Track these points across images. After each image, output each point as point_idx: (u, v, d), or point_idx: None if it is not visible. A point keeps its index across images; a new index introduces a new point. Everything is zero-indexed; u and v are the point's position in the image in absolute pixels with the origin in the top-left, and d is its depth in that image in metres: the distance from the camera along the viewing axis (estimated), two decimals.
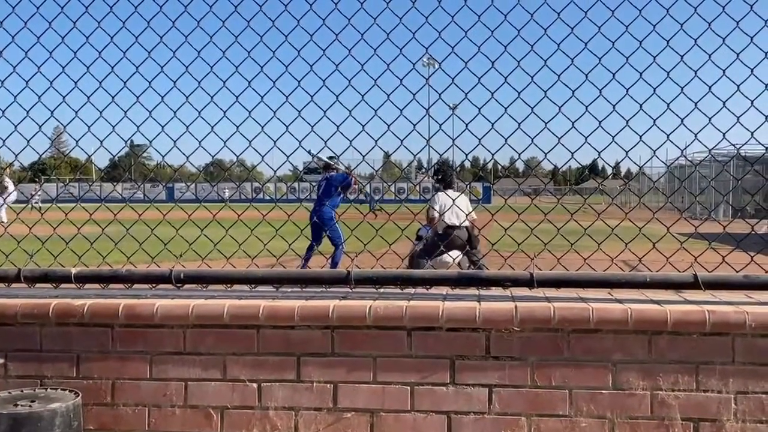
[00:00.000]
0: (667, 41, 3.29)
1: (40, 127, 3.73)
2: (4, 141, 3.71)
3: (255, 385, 3.22)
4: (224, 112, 3.59)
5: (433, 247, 8.74)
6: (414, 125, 3.48)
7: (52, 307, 3.28)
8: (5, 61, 3.76)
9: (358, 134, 3.52)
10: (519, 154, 3.39)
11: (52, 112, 3.74)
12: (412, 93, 3.49)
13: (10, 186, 26.77)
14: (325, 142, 3.57)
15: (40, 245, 3.58)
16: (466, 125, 3.43)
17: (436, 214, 9.55)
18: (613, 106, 3.29)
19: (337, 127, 3.52)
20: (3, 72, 3.78)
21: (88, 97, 3.66)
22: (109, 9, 3.64)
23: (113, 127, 3.62)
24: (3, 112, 3.69)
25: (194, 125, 3.67)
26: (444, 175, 10.04)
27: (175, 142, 3.60)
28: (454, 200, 8.79)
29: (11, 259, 3.73)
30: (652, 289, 3.27)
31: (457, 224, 9.37)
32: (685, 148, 3.34)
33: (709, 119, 3.27)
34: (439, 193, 9.84)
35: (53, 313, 3.27)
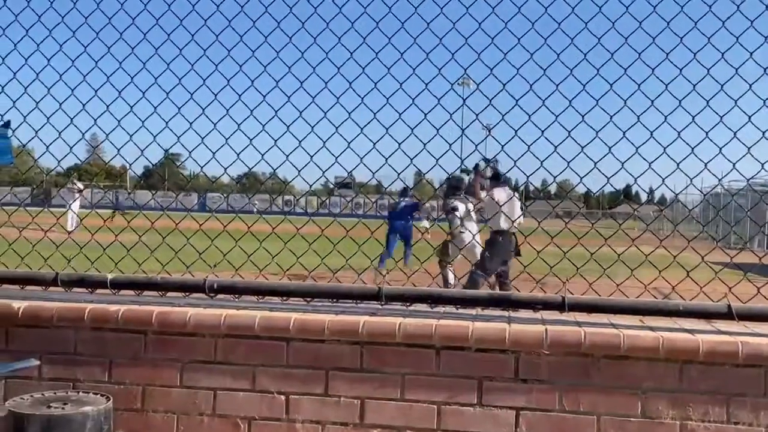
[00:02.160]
0: (708, 69, 3.28)
1: (83, 134, 3.83)
2: (47, 147, 3.80)
3: (283, 398, 3.24)
4: (263, 126, 3.64)
5: (488, 258, 8.26)
6: (450, 145, 3.51)
7: (88, 311, 3.34)
8: (52, 69, 3.86)
9: (394, 152, 3.55)
10: (554, 178, 3.39)
11: (95, 120, 3.82)
12: (449, 113, 3.52)
13: (78, 186, 26.25)
14: (361, 159, 3.60)
15: (77, 250, 3.65)
16: (502, 147, 3.45)
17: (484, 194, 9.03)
18: (651, 132, 3.29)
19: (374, 144, 3.56)
20: (49, 80, 3.88)
21: (131, 107, 3.74)
22: (155, 21, 3.72)
23: (154, 137, 3.71)
24: (48, 119, 3.78)
25: (228, 134, 3.75)
26: (497, 171, 9.67)
27: (213, 154, 3.66)
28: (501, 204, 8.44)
29: (49, 263, 3.81)
30: (684, 318, 3.24)
31: (506, 229, 8.87)
32: (722, 177, 3.32)
33: (748, 149, 3.25)
34: (497, 189, 9.41)
35: (88, 318, 3.33)
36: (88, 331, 3.36)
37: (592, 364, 3.05)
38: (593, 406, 3.06)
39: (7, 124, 3.05)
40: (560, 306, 3.22)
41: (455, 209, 10.79)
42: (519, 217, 8.80)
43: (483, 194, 9.61)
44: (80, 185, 26.36)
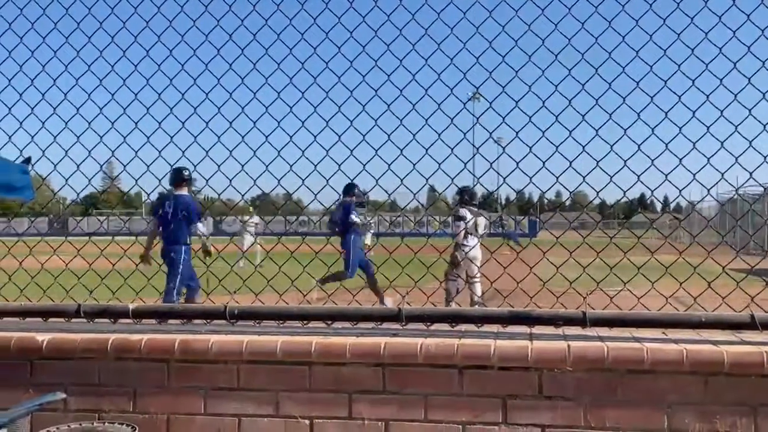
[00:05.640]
0: (721, 80, 3.28)
1: (101, 167, 3.87)
2: (66, 180, 3.85)
3: (307, 422, 3.24)
4: (278, 152, 3.68)
5: None
6: (465, 164, 3.53)
7: (111, 342, 3.36)
8: (70, 104, 3.91)
9: (409, 173, 3.56)
10: (571, 193, 3.40)
11: (113, 152, 3.88)
12: (463, 132, 3.54)
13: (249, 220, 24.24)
14: (377, 180, 3.63)
15: (99, 281, 3.68)
16: (517, 164, 3.45)
17: None
18: (666, 144, 3.29)
19: (389, 165, 3.57)
20: (67, 113, 3.93)
21: (148, 138, 3.79)
22: (169, 52, 3.77)
23: (171, 166, 3.75)
24: (66, 152, 3.83)
25: (243, 159, 3.79)
26: None
27: (230, 180, 3.70)
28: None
29: (71, 294, 3.84)
30: (707, 329, 3.22)
31: None
32: (739, 187, 3.31)
33: (765, 158, 3.23)
34: None
35: (111, 348, 3.35)
36: (112, 362, 3.37)
37: (616, 379, 3.04)
38: (618, 422, 3.04)
39: (27, 161, 3.10)
40: (582, 321, 3.21)
41: (462, 219, 10.76)
42: None
43: None
44: (248, 219, 24.59)
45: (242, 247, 19.64)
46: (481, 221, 11.08)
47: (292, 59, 3.69)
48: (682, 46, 3.33)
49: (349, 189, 11.43)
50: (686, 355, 2.97)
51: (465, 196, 11.04)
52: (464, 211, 10.85)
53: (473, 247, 10.46)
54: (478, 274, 10.54)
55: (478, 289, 10.58)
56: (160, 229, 9.28)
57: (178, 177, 9.24)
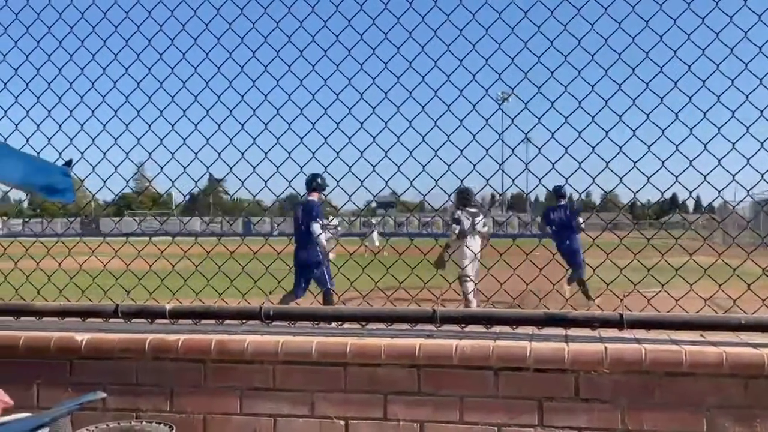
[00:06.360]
0: (760, 80, 3.24)
1: (138, 168, 3.93)
2: (105, 182, 3.91)
3: (342, 423, 3.25)
4: (313, 153, 3.71)
5: None
6: (500, 164, 3.52)
7: (148, 342, 3.40)
8: (108, 107, 3.98)
9: (444, 174, 3.56)
10: (607, 194, 3.37)
11: (150, 154, 3.93)
12: (498, 132, 3.53)
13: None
14: (411, 182, 3.63)
15: (136, 281, 3.73)
16: (553, 165, 3.43)
17: None
18: (705, 145, 3.25)
19: (423, 167, 3.57)
20: (105, 116, 3.99)
21: (185, 140, 3.83)
22: (205, 55, 3.81)
23: (207, 167, 3.79)
24: (104, 154, 3.88)
25: (277, 161, 3.83)
26: None
27: (266, 182, 3.72)
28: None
29: (107, 294, 3.89)
30: (746, 332, 3.18)
31: None
32: None
33: None
34: None
35: (149, 348, 3.39)
36: (149, 362, 3.41)
37: (654, 382, 3.00)
38: (656, 425, 3.00)
39: (68, 163, 3.15)
40: (619, 323, 3.18)
41: (458, 222, 10.94)
42: None
43: None
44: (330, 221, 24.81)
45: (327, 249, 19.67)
46: (479, 222, 11.27)
47: (327, 61, 3.71)
48: (720, 45, 3.29)
49: (557, 190, 12.62)
50: (726, 357, 2.93)
51: (462, 197, 11.19)
52: (460, 214, 11.03)
53: (469, 247, 10.59)
54: (471, 274, 10.68)
55: (469, 287, 10.67)
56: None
57: (307, 183, 9.95)
